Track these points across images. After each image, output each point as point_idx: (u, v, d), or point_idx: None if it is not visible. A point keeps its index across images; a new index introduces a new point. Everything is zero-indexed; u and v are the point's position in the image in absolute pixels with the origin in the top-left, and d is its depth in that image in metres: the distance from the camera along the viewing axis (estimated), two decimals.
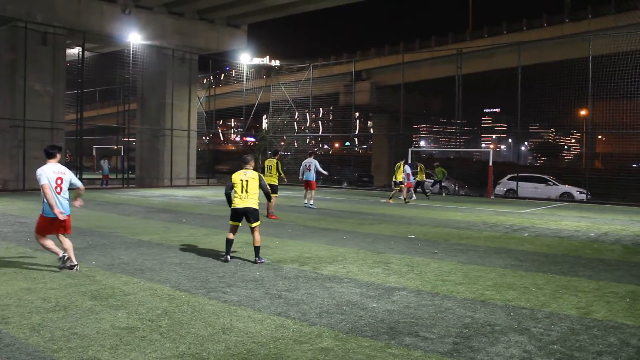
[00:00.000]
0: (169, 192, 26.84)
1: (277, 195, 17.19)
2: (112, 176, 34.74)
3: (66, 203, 8.23)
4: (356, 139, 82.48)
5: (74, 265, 8.29)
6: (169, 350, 5.07)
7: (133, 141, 38.13)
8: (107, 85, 42.68)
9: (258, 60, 39.88)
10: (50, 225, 8.14)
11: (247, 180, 9.20)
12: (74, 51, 31.20)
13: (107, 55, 35.34)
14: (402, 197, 23.13)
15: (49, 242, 8.29)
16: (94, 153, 53.85)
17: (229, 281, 7.78)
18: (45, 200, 8.02)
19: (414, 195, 24.88)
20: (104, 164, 32.37)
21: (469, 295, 7.32)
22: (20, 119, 25.92)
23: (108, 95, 49.74)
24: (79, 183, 8.58)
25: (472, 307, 6.71)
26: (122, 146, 39.39)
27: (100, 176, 32.23)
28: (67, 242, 8.28)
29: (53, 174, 8.16)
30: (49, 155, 8.35)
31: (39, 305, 6.44)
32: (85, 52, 28.78)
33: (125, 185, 31.22)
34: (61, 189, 8.17)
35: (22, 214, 15.96)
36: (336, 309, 6.52)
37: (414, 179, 25.41)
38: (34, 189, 25.33)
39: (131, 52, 29.90)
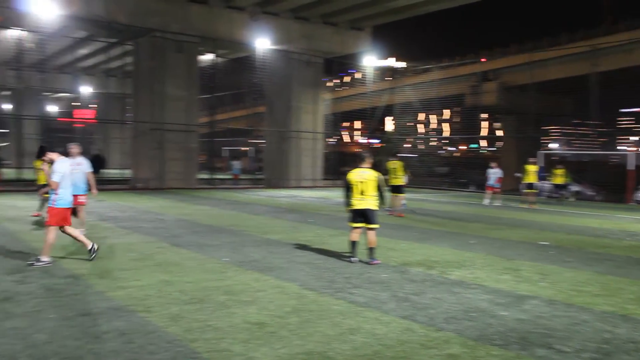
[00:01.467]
0: (295, 192, 27.51)
1: (403, 195, 17.42)
2: (242, 177, 36.15)
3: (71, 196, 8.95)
4: (482, 142, 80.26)
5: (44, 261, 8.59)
6: (297, 347, 5.20)
7: (262, 143, 39.46)
8: (237, 89, 44.55)
9: (382, 62, 39.89)
10: (59, 215, 8.74)
11: (364, 181, 9.18)
12: (206, 57, 32.86)
13: (237, 60, 36.86)
14: (529, 201, 21.79)
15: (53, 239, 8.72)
16: (225, 154, 56.33)
17: (355, 282, 7.84)
18: (59, 192, 8.62)
19: (494, 201, 22.53)
20: (235, 164, 33.80)
21: (607, 308, 6.87)
22: (159, 122, 27.76)
23: (238, 98, 51.91)
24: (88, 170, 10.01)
25: (612, 322, 6.29)
26: (251, 148, 40.93)
27: (231, 176, 33.65)
28: (51, 235, 8.69)
29: (70, 166, 9.07)
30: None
31: (176, 297, 6.84)
32: (216, 58, 30.24)
33: (254, 186, 32.39)
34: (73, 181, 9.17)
35: (161, 210, 17.03)
36: (464, 315, 6.37)
37: (549, 181, 24.09)
38: (171, 188, 26.97)
39: (259, 57, 31.00)
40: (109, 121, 52.46)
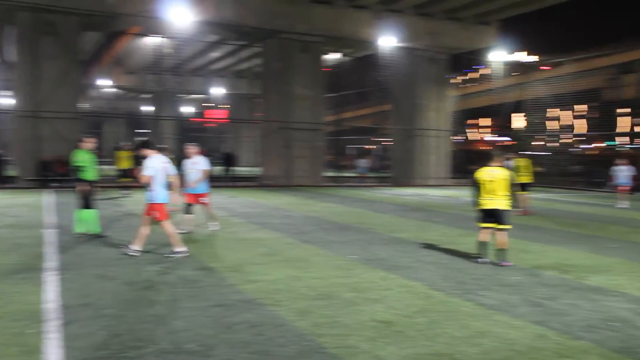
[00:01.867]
0: (421, 191, 27.21)
1: (529, 192, 16.86)
2: (368, 175, 36.24)
3: (165, 192, 9.19)
4: (621, 138, 74.86)
5: (178, 252, 9.07)
6: (424, 348, 5.13)
7: (387, 141, 39.41)
8: (362, 87, 44.74)
9: (510, 57, 38.40)
10: (155, 211, 9.05)
11: (494, 180, 8.85)
12: (331, 57, 33.30)
13: (362, 58, 37.03)
14: None
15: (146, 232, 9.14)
16: (351, 152, 56.79)
17: (484, 284, 7.62)
18: (154, 188, 8.98)
19: (621, 202, 20.20)
20: (361, 162, 33.99)
21: None
22: (286, 121, 28.55)
23: (363, 97, 52.14)
24: (173, 172, 9.46)
25: None
26: (376, 146, 40.97)
27: (357, 174, 33.88)
28: (169, 228, 9.17)
29: (162, 164, 9.18)
30: (151, 148, 9.37)
31: (304, 292, 6.99)
32: (341, 57, 30.59)
33: (380, 184, 32.42)
34: (164, 179, 9.22)
35: (289, 207, 17.49)
36: (603, 324, 5.98)
37: None
38: (298, 185, 27.61)
39: (383, 55, 30.94)
40: (240, 120, 54.67)
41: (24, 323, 5.58)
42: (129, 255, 9.00)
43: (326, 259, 9.20)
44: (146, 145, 9.47)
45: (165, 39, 32.64)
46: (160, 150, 10.01)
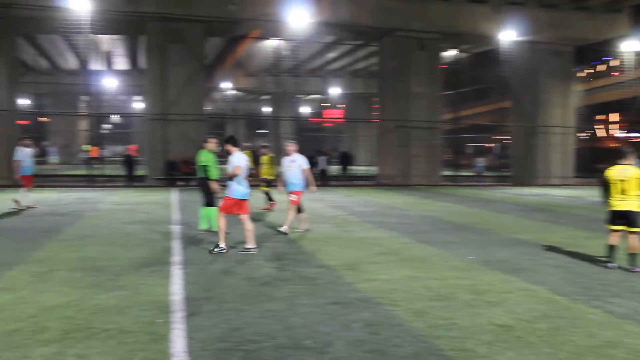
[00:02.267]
0: (543, 191, 26.04)
1: None
2: (486, 174, 35.26)
3: (246, 188, 9.45)
4: None
5: (250, 249, 9.35)
6: (546, 356, 4.89)
7: (507, 139, 38.10)
8: (481, 84, 43.51)
9: None
10: (232, 206, 9.33)
11: (625, 180, 8.25)
12: (448, 54, 32.62)
13: (480, 54, 36.00)
14: None
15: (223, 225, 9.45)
16: (469, 151, 55.44)
17: (614, 290, 7.15)
18: (234, 182, 9.27)
19: None
20: (478, 161, 33.09)
21: None
22: (403, 119, 28.34)
23: (482, 94, 50.73)
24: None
25: None
26: (496, 144, 39.74)
27: (474, 173, 33.04)
28: (248, 224, 9.46)
29: (245, 162, 9.50)
30: (235, 144, 9.66)
31: (421, 292, 6.90)
32: (459, 54, 29.94)
33: (499, 183, 31.41)
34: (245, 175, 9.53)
35: (406, 206, 17.35)
36: None
37: None
38: (415, 184, 27.35)
39: (503, 50, 29.86)
40: (356, 120, 54.97)
41: (153, 313, 5.93)
42: (249, 254, 9.30)
43: (443, 259, 9.03)
44: (231, 141, 9.70)
45: (283, 41, 33.46)
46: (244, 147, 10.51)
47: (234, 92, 41.33)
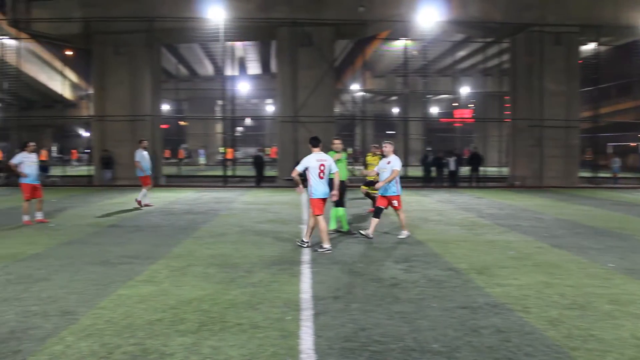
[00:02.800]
0: None
1: None
2: (622, 175, 32.80)
3: (326, 188, 9.76)
4: None
5: (325, 249, 9.54)
6: None
7: None
8: (623, 79, 40.67)
9: None
10: (319, 204, 9.71)
11: None
12: (587, 47, 30.72)
13: (622, 47, 33.58)
14: None
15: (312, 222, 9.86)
16: (610, 151, 51.97)
17: None
18: (312, 184, 9.67)
19: None
20: (615, 162, 30.90)
21: None
22: (537, 118, 27.12)
23: (625, 89, 47.39)
24: (335, 169, 9.94)
25: None
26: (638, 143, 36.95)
27: (611, 175, 30.90)
28: (322, 223, 9.69)
29: (316, 161, 9.69)
30: (314, 145, 9.98)
31: (556, 300, 6.56)
32: (599, 47, 28.15)
33: None
34: (324, 175, 9.72)
35: (540, 209, 16.57)
36: None
37: None
38: (549, 186, 26.09)
39: None
40: (487, 120, 53.35)
41: (282, 310, 6.10)
42: (325, 252, 9.50)
43: (580, 265, 8.53)
44: (312, 142, 10.13)
45: (412, 41, 33.19)
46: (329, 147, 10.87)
47: (363, 93, 41.61)
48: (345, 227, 11.57)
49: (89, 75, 28.97)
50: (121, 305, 6.25)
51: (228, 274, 7.84)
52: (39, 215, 13.51)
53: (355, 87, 48.61)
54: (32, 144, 13.64)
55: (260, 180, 27.72)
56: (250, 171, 30.75)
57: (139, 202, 16.74)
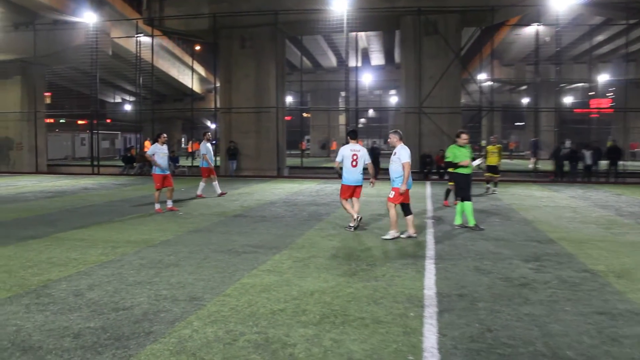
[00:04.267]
0: None
1: None
2: None
3: (358, 176, 11.01)
4: None
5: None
6: None
7: None
8: None
9: None
10: (347, 190, 11.03)
11: None
12: None
13: None
14: None
15: (347, 205, 11.13)
16: None
17: None
18: (343, 171, 11.03)
19: None
20: None
21: None
22: None
23: None
24: (368, 160, 11.12)
25: None
26: None
27: None
28: (357, 205, 11.16)
29: (350, 151, 10.88)
30: (353, 137, 11.13)
31: None
32: None
33: None
34: (356, 164, 10.94)
35: None
36: None
37: None
38: None
39: None
40: (628, 110, 49.87)
41: (405, 306, 6.02)
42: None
43: None
44: (350, 134, 11.24)
45: (544, 27, 31.64)
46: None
47: (490, 83, 40.28)
48: (472, 222, 11.26)
49: (216, 69, 30.15)
50: (245, 294, 6.46)
51: (350, 266, 7.86)
52: (169, 204, 14.30)
53: (482, 76, 47.21)
54: (164, 135, 14.47)
55: (376, 173, 27.56)
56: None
57: (200, 195, 17.25)
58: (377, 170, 27.84)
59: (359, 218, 11.10)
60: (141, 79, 32.31)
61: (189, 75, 47.14)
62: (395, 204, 10.21)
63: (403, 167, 10.01)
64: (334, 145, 54.50)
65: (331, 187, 20.98)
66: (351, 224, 11.06)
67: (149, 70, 32.64)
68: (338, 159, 11.13)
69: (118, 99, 62.02)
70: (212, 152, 17.65)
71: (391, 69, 53.74)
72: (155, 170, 14.18)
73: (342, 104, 58.98)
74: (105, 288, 6.69)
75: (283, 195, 18.03)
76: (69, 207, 15.14)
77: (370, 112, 79.30)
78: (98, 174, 30.58)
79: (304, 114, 65.19)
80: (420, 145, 25.72)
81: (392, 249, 9.19)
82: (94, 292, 6.50)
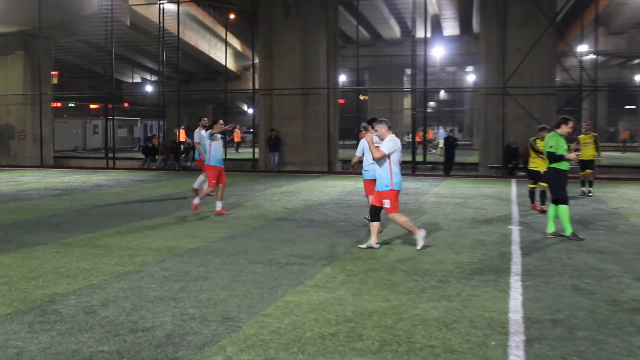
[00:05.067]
0: None
1: None
2: None
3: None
4: None
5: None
6: None
7: None
8: None
9: None
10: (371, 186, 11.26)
11: None
12: None
13: None
14: None
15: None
16: None
17: None
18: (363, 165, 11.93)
19: None
20: None
21: None
22: None
23: None
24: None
25: None
26: None
27: None
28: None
29: (372, 143, 10.59)
30: (374, 126, 10.78)
31: None
32: None
33: None
34: None
35: None
36: None
37: None
38: None
39: None
40: None
41: (485, 332, 5.95)
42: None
43: None
44: (370, 123, 11.37)
45: None
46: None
47: (594, 56, 39.33)
48: (568, 230, 11.07)
49: (254, 42, 30.44)
50: (289, 314, 6.50)
51: (417, 283, 7.83)
52: (219, 206, 14.32)
53: (583, 48, 46.22)
54: (221, 122, 14.58)
55: (449, 168, 27.36)
56: (432, 155, 30.32)
57: (195, 190, 17.24)
58: (451, 165, 27.69)
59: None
60: (165, 54, 32.81)
61: (221, 50, 47.67)
62: (396, 212, 10.17)
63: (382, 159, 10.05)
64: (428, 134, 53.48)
65: None
66: (368, 216, 11.28)
67: (174, 43, 33.13)
68: (358, 152, 12.16)
69: (137, 79, 63.27)
70: (207, 143, 17.63)
71: (468, 41, 53.12)
72: (210, 161, 14.25)
73: (407, 84, 58.70)
74: (122, 305, 6.84)
75: (335, 195, 18.09)
76: (79, 207, 15.54)
77: (442, 94, 78.75)
78: (113, 168, 31.30)
79: (361, 97, 65.16)
80: (504, 133, 25.36)
81: (468, 261, 9.11)
82: (109, 310, 6.65)
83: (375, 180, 10.51)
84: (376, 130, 10.33)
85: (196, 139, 17.30)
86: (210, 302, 6.93)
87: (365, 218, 12.42)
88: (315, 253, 9.68)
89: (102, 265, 8.77)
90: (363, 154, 12.05)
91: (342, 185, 21.17)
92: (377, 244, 10.19)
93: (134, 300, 6.99)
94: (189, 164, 31.19)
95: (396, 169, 10.01)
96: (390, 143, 10.00)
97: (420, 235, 10.08)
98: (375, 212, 10.27)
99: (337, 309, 6.67)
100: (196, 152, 17.48)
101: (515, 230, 12.05)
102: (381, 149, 9.99)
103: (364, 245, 10.18)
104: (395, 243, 10.62)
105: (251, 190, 18.04)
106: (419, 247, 9.99)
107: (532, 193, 15.23)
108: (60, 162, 35.15)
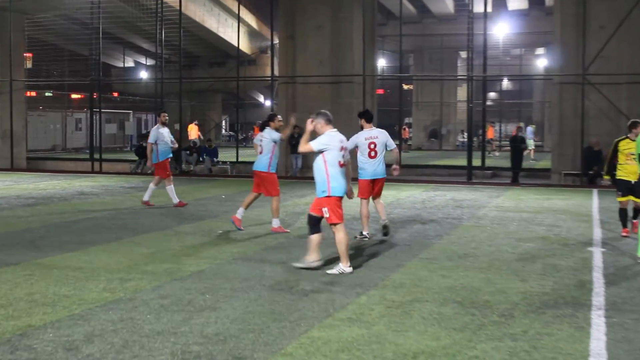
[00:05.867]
0: None
1: None
2: None
3: (378, 167, 12.88)
4: None
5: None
6: None
7: None
8: None
9: None
10: (366, 187, 13.20)
11: None
12: None
13: None
14: None
15: (365, 208, 13.32)
16: None
17: None
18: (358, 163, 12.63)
19: None
20: None
21: None
22: None
23: None
24: (393, 145, 12.90)
25: None
26: None
27: None
28: (380, 207, 13.49)
29: (365, 139, 12.72)
30: (368, 120, 13.19)
31: None
32: None
33: None
34: (376, 154, 12.78)
35: None
36: None
37: None
38: None
39: None
40: None
41: None
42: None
43: None
44: (365, 116, 13.33)
45: None
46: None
47: None
48: None
49: (273, 19, 30.54)
50: (315, 353, 6.49)
51: (474, 317, 7.80)
52: (275, 224, 14.29)
53: None
54: (279, 117, 14.57)
55: (517, 174, 27.19)
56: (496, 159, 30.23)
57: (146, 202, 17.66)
58: (519, 171, 27.55)
59: (385, 225, 13.30)
60: (163, 33, 32.90)
61: (233, 28, 47.74)
62: (340, 222, 10.27)
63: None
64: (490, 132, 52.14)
65: (444, 197, 20.86)
66: (364, 232, 13.28)
67: (175, 20, 33.24)
68: (350, 145, 12.53)
69: (130, 63, 63.67)
70: (168, 140, 17.70)
71: (539, 17, 52.74)
72: (271, 168, 14.27)
73: (461, 71, 58.49)
74: (110, 340, 6.87)
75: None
76: (59, 220, 15.66)
77: (505, 83, 78.26)
78: (100, 172, 31.44)
79: (405, 86, 64.98)
80: (584, 132, 25.09)
81: (538, 291, 9.04)
82: (94, 346, 6.67)
83: (371, 180, 12.82)
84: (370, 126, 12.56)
85: (151, 139, 17.42)
86: (219, 338, 6.93)
87: (356, 236, 13.41)
88: (347, 279, 9.67)
89: (85, 292, 8.81)
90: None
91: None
92: (317, 261, 10.19)
93: (124, 335, 7.01)
94: (192, 167, 31.30)
95: (333, 171, 10.03)
96: (325, 139, 10.17)
97: (338, 266, 10.08)
98: (314, 223, 10.28)
99: (375, 349, 6.66)
100: (153, 156, 17.38)
101: (597, 254, 11.94)
102: (310, 143, 10.12)
103: (299, 265, 10.22)
104: (447, 266, 10.56)
105: (267, 200, 17.98)
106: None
107: (623, 212, 14.03)
108: (35, 164, 35.44)
